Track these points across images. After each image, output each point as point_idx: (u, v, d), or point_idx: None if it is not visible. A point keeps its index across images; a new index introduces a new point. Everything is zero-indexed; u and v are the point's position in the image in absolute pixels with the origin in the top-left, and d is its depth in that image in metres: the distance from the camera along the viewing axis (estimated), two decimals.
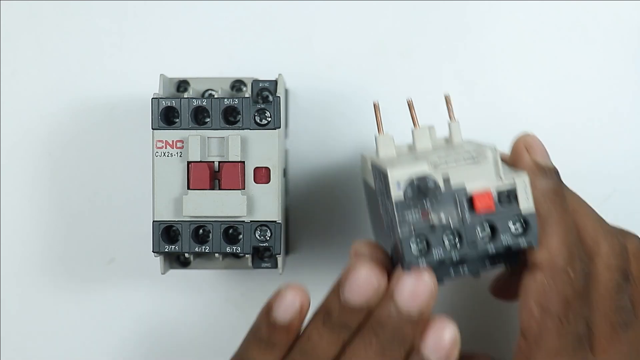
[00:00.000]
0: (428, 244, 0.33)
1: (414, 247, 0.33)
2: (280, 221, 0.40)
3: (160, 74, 0.41)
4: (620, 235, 0.37)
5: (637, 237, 0.38)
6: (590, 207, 0.37)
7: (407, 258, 0.33)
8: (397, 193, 0.33)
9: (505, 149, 0.38)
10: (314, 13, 0.48)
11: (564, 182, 0.37)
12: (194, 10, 0.48)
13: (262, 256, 0.41)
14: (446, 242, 0.34)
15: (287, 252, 0.46)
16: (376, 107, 0.37)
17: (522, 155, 0.36)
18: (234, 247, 0.40)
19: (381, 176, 0.34)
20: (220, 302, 0.47)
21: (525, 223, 0.34)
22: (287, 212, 0.45)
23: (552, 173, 0.36)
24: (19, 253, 0.48)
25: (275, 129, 0.40)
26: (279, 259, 0.40)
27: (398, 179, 0.33)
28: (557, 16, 0.48)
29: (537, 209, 0.34)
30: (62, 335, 0.48)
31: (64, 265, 0.48)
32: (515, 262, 0.36)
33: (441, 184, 0.33)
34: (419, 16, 0.48)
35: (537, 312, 0.35)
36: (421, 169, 0.33)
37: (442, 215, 0.33)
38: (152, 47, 0.48)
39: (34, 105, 0.48)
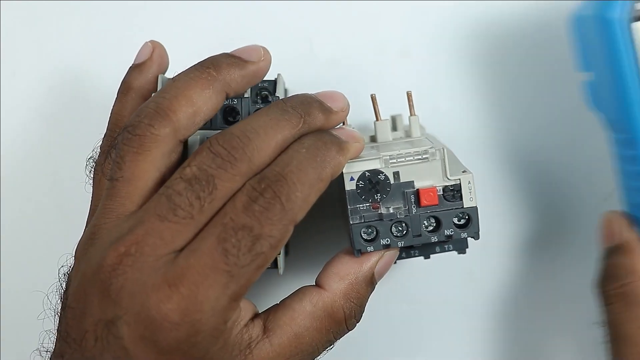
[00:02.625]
0: (377, 233, 0.39)
1: (363, 234, 0.39)
2: None
3: (160, 75, 0.43)
4: None
5: None
6: None
7: (356, 244, 0.39)
8: (350, 185, 0.39)
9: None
10: (314, 13, 0.50)
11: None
12: (193, 10, 0.51)
13: None
14: (394, 231, 0.39)
15: (287, 252, 0.48)
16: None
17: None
18: None
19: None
20: None
21: (468, 217, 0.39)
22: None
23: None
24: (18, 252, 0.51)
25: None
26: (279, 259, 0.41)
27: (351, 173, 0.39)
28: None
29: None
30: None
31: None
32: (463, 250, 0.42)
33: (391, 179, 0.39)
34: (419, 16, 0.50)
35: None
36: (373, 165, 0.39)
37: (391, 208, 0.39)
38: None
39: (34, 106, 0.51)
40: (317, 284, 0.40)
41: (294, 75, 0.49)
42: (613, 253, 0.44)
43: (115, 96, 0.43)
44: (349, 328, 0.40)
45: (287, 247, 0.48)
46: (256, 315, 0.38)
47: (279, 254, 0.41)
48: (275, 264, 0.42)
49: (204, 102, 0.38)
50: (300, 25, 0.51)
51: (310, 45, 0.51)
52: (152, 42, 0.44)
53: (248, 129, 0.37)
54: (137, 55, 0.44)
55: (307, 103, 0.39)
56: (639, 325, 0.42)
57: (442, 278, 0.51)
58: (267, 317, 0.38)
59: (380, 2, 0.50)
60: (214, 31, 0.51)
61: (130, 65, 0.44)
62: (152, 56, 0.43)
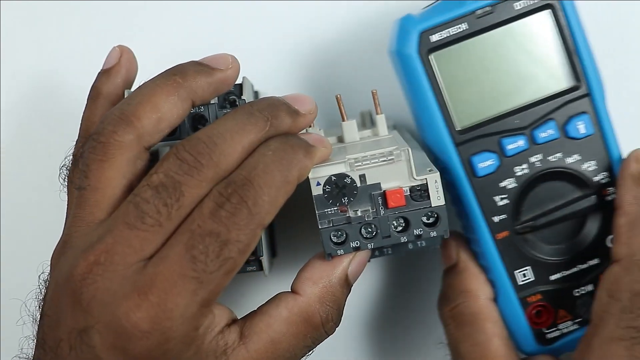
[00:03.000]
0: (347, 236, 0.39)
1: (333, 237, 0.39)
2: None
3: (125, 90, 0.43)
4: None
5: None
6: None
7: (326, 248, 0.39)
8: (316, 190, 0.39)
9: None
10: (314, 13, 0.51)
11: None
12: (190, 11, 0.52)
13: (247, 259, 0.42)
14: (363, 234, 0.39)
15: (275, 254, 0.49)
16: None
17: (629, 164, 0.42)
18: None
19: None
20: None
21: (437, 216, 0.40)
22: None
23: None
24: (18, 251, 0.52)
25: None
26: (263, 261, 0.42)
27: (317, 178, 0.39)
28: None
29: (628, 210, 0.41)
30: None
31: None
32: (437, 245, 0.42)
33: (357, 182, 0.39)
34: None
35: (604, 298, 0.40)
36: (339, 169, 0.39)
37: (359, 210, 0.39)
38: (151, 50, 0.49)
39: (34, 106, 0.52)
40: (293, 290, 0.40)
41: (292, 75, 0.51)
42: (447, 274, 0.46)
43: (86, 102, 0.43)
44: (328, 332, 0.40)
45: (274, 248, 0.48)
46: (233, 322, 0.38)
47: (262, 256, 0.42)
48: (260, 266, 0.42)
49: (169, 108, 0.38)
50: (300, 25, 0.51)
51: (310, 45, 0.51)
52: (119, 46, 0.44)
53: (214, 133, 0.37)
54: (105, 61, 0.44)
55: (273, 106, 0.39)
56: (472, 343, 0.43)
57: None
58: (243, 324, 0.38)
59: (380, 2, 0.51)
60: (212, 33, 0.52)
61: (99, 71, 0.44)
62: (120, 61, 0.44)
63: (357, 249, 0.39)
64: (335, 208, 0.39)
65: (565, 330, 0.45)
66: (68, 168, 0.41)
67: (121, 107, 0.38)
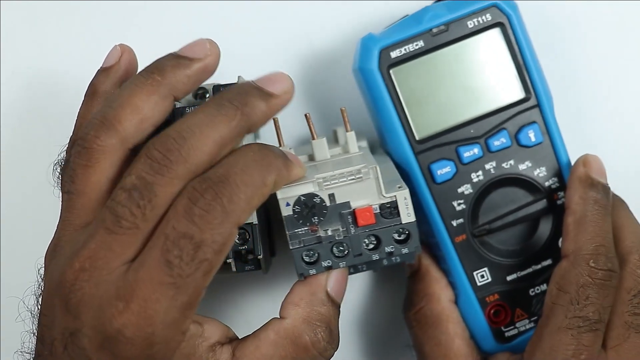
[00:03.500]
0: (319, 255, 0.39)
1: (305, 257, 0.40)
2: (256, 222, 0.41)
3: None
4: None
5: None
6: (637, 225, 0.45)
7: (298, 269, 0.40)
8: (286, 210, 0.39)
9: None
10: (314, 12, 0.51)
11: None
12: (188, 12, 0.52)
13: (246, 259, 0.42)
14: (335, 252, 0.40)
15: (274, 253, 0.48)
16: (276, 122, 0.43)
17: (577, 168, 0.44)
18: None
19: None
20: (204, 309, 0.46)
21: (407, 233, 0.40)
22: (268, 213, 0.46)
23: (601, 187, 0.44)
24: (18, 251, 0.52)
25: None
26: (262, 260, 0.42)
27: (287, 198, 0.39)
28: None
29: (575, 209, 0.43)
30: None
31: None
32: (411, 260, 0.42)
33: (327, 201, 0.39)
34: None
35: (554, 291, 0.42)
36: (307, 189, 0.39)
37: (329, 230, 0.39)
38: (150, 49, 0.47)
39: (34, 106, 0.52)
40: (280, 316, 0.40)
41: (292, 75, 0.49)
42: (411, 279, 0.47)
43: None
44: (322, 354, 0.39)
45: (272, 247, 0.48)
46: (230, 341, 0.39)
47: (260, 255, 0.41)
48: (258, 265, 0.42)
49: (151, 108, 0.38)
50: (300, 25, 0.51)
51: (310, 44, 0.51)
52: (121, 45, 0.43)
53: (183, 128, 0.36)
54: (105, 59, 0.43)
55: (243, 93, 0.38)
56: (435, 344, 0.45)
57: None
58: (236, 345, 0.39)
59: (380, 2, 0.51)
60: (211, 34, 0.48)
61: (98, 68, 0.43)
62: (120, 60, 0.43)
63: (329, 268, 0.40)
64: (305, 228, 0.39)
65: (522, 329, 0.46)
66: (61, 164, 0.41)
67: (102, 111, 0.38)
